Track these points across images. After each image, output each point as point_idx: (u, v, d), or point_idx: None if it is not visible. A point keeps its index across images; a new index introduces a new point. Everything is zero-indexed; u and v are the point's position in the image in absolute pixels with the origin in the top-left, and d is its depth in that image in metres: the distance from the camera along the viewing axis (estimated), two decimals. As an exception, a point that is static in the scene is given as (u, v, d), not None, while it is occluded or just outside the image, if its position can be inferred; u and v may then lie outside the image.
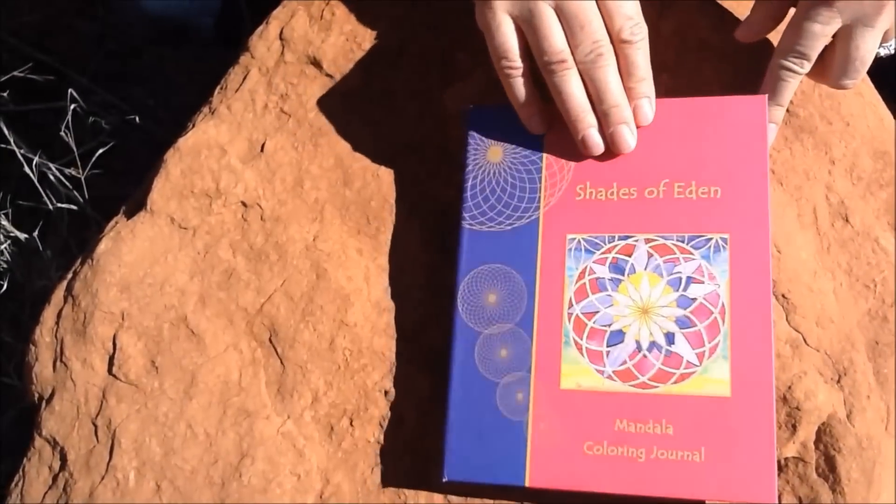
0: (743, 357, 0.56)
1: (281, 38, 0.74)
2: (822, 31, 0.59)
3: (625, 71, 0.60)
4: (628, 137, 0.60)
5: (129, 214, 0.71)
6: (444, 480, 0.58)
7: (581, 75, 0.60)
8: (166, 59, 1.16)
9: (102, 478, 0.64)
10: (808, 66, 0.61)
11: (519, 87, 0.61)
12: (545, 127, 0.63)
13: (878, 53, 0.61)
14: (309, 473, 0.62)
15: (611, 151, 0.61)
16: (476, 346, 0.60)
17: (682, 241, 0.59)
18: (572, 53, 0.59)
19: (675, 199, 0.60)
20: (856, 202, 0.64)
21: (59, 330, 0.68)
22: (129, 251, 0.69)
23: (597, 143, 0.61)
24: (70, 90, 1.02)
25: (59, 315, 0.69)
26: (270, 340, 0.66)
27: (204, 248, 0.68)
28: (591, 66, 0.59)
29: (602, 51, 0.59)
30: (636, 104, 0.60)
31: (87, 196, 1.03)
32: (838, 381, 0.60)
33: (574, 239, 0.61)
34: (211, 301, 0.67)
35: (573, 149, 0.62)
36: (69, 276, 0.71)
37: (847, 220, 0.64)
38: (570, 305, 0.59)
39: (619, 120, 0.60)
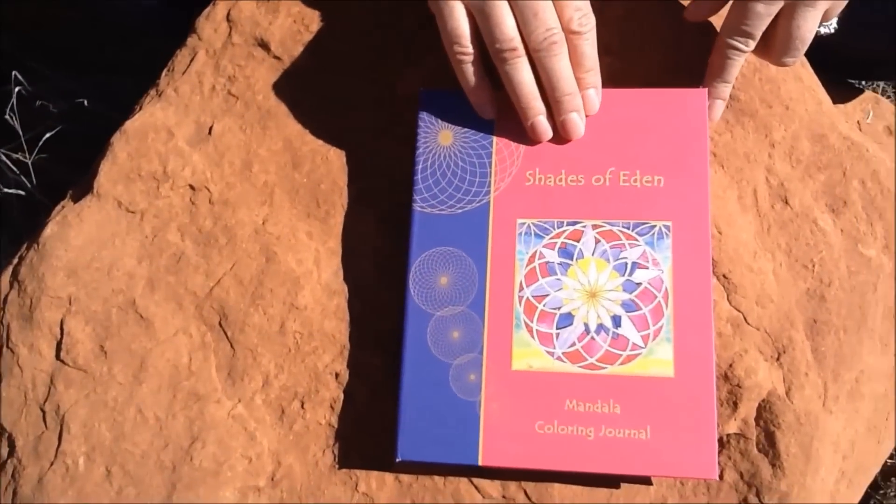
0: (685, 340, 0.58)
1: (228, 20, 0.73)
2: (766, 10, 0.60)
3: (574, 61, 0.61)
4: (579, 125, 0.62)
5: (76, 198, 0.70)
6: (397, 460, 0.59)
7: (532, 63, 0.61)
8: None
9: (52, 463, 0.63)
10: (752, 45, 0.62)
11: (470, 72, 0.62)
12: (495, 112, 0.64)
13: (818, 32, 0.62)
14: (260, 456, 0.63)
15: (559, 138, 0.62)
16: (428, 327, 0.61)
17: (628, 228, 0.60)
18: (525, 41, 0.60)
19: (621, 186, 0.61)
20: (795, 184, 0.66)
21: (6, 315, 0.67)
22: (77, 235, 0.68)
23: (545, 130, 0.62)
24: (14, 73, 1.00)
25: (4, 301, 0.68)
26: (220, 324, 0.65)
27: (152, 232, 0.68)
28: (545, 54, 0.60)
29: (555, 39, 0.59)
30: (584, 94, 0.62)
31: (34, 182, 1.02)
32: (778, 359, 0.62)
33: (524, 223, 0.61)
34: (160, 285, 0.66)
35: (523, 134, 0.63)
36: (15, 261, 0.69)
37: (786, 202, 0.66)
38: (521, 289, 0.60)
39: (571, 108, 0.61)
